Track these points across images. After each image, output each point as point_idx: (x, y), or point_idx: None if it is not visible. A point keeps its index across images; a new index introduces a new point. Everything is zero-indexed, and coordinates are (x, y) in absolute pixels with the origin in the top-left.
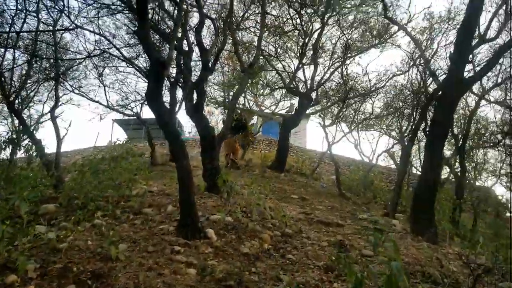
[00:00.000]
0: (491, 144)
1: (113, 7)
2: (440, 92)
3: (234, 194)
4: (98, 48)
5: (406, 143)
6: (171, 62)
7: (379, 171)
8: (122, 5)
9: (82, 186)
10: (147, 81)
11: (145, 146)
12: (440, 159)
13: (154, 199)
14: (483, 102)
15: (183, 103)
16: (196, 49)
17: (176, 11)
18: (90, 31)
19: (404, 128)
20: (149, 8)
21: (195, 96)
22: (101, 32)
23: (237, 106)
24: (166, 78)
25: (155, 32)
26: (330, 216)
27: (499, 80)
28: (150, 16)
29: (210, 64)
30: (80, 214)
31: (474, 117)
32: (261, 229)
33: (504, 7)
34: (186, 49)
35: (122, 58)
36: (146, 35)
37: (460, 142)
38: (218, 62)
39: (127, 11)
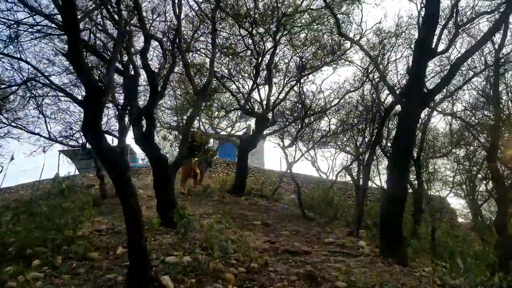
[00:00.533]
0: (441, 154)
1: (40, 28)
2: (400, 108)
3: (192, 229)
4: (30, 77)
5: (366, 160)
6: (110, 86)
7: (337, 187)
8: (49, 25)
9: (17, 232)
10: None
11: (95, 177)
12: (405, 177)
13: (102, 240)
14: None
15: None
16: (143, 73)
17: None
18: (12, 57)
19: (359, 143)
20: (84, 28)
21: (144, 123)
22: (28, 57)
23: (192, 129)
24: (114, 106)
25: (93, 55)
26: (296, 242)
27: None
28: (90, 39)
29: (159, 88)
30: (13, 266)
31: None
32: (224, 268)
33: (453, 20)
34: (132, 73)
35: (53, 86)
36: (77, 55)
37: (416, 154)
38: (168, 86)
39: (57, 34)
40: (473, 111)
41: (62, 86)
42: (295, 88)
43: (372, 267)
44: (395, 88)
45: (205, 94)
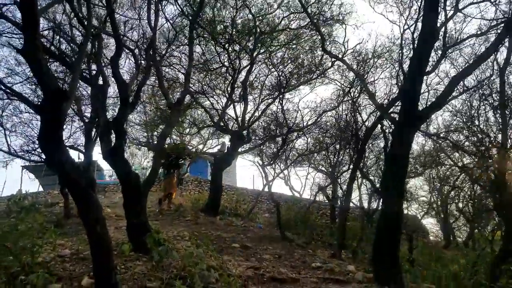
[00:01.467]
0: (416, 174)
1: None
2: (394, 127)
3: (170, 257)
4: None
5: (345, 180)
6: (73, 90)
7: (311, 206)
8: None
9: None
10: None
11: (59, 194)
12: (402, 197)
13: (65, 267)
14: None
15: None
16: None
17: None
18: None
19: (334, 163)
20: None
21: (113, 137)
22: None
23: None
24: (80, 119)
25: (56, 60)
26: (281, 268)
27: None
28: (53, 40)
29: (130, 99)
30: None
31: None
32: None
33: (440, 41)
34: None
35: (8, 91)
36: (34, 51)
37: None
38: (140, 99)
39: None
40: (450, 132)
41: (20, 93)
42: (275, 105)
43: None
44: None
45: (179, 108)
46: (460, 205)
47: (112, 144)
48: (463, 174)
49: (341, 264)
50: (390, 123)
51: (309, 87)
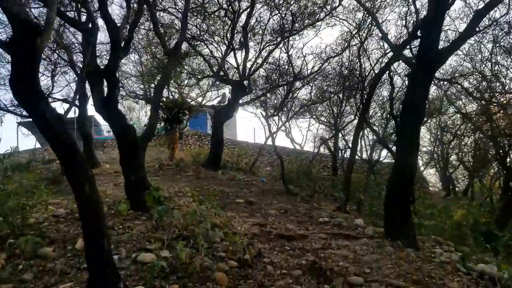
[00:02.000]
0: None
1: None
2: (410, 70)
3: (170, 216)
4: None
5: (354, 130)
6: (49, 26)
7: (310, 158)
8: None
9: None
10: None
11: None
12: (417, 150)
13: (59, 228)
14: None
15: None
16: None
17: None
18: None
19: (337, 113)
20: None
21: (106, 86)
22: None
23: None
24: (71, 68)
25: None
26: (288, 224)
27: None
28: None
29: (122, 43)
30: None
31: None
32: (211, 264)
33: None
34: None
35: None
36: None
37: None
38: (132, 42)
39: None
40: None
41: None
42: (278, 51)
43: (382, 253)
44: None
45: (177, 54)
46: (461, 155)
47: (105, 94)
48: (465, 122)
49: (348, 218)
50: (405, 64)
51: (314, 30)
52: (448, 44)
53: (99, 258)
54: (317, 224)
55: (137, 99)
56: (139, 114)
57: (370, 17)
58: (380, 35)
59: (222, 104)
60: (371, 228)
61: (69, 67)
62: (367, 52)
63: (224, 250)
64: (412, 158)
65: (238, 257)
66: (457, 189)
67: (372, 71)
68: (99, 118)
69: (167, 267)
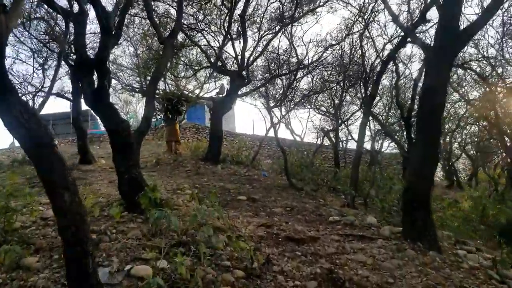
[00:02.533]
0: None
1: None
2: (428, 52)
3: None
4: None
5: (361, 119)
6: (18, 5)
7: (312, 150)
8: None
9: None
10: None
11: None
12: (438, 140)
13: (47, 233)
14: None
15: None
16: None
17: None
18: None
19: (340, 103)
20: None
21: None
22: None
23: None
24: (65, 62)
25: None
26: (295, 224)
27: None
28: None
29: (113, 29)
30: None
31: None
32: (215, 276)
33: None
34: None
35: None
36: None
37: (406, 113)
38: (122, 28)
39: None
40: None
41: None
42: (277, 39)
43: (404, 258)
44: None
45: (172, 43)
46: (463, 143)
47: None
48: (468, 110)
49: (358, 215)
50: (420, 48)
51: (315, 17)
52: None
53: (82, 282)
54: (327, 223)
55: (133, 92)
56: (136, 108)
57: None
58: (388, 17)
59: (221, 95)
60: (387, 228)
61: (63, 60)
62: (372, 38)
63: (228, 257)
64: (433, 148)
65: (245, 266)
66: (460, 179)
67: (377, 58)
68: None
69: (164, 286)
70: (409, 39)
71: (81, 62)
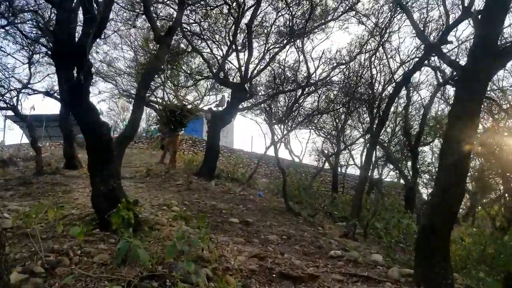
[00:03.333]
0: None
1: None
2: (457, 70)
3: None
4: None
5: (367, 144)
6: None
7: (309, 172)
8: None
9: None
10: None
11: (45, 147)
12: (466, 172)
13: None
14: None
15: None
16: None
17: None
18: None
19: (343, 125)
20: None
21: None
22: None
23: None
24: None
25: None
26: (293, 256)
27: None
28: None
29: (97, 16)
30: None
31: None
32: None
33: None
34: None
35: None
36: None
37: (413, 141)
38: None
39: None
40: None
41: None
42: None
43: None
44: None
45: (170, 41)
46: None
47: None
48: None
49: (360, 249)
50: (448, 66)
51: (325, 33)
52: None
53: None
54: (328, 258)
55: (130, 99)
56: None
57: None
58: (402, 38)
59: (220, 108)
60: (395, 270)
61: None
62: (387, 56)
63: None
64: (462, 183)
65: None
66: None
67: (389, 81)
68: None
69: None
70: (426, 62)
71: (56, 51)
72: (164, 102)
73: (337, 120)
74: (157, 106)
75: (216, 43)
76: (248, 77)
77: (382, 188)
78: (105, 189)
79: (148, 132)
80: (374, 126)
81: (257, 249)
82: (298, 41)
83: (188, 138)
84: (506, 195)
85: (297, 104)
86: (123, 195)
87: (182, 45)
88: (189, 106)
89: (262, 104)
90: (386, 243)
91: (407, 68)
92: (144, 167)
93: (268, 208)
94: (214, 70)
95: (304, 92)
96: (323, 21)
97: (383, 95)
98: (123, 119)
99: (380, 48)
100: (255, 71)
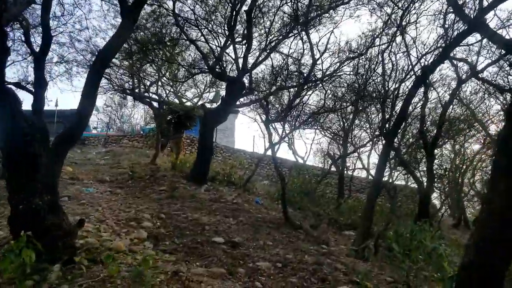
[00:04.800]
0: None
1: None
2: None
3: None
4: None
5: (382, 146)
6: None
7: (314, 173)
8: None
9: None
10: None
11: None
12: None
13: None
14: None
15: None
16: None
17: None
18: None
19: (350, 125)
20: None
21: None
22: None
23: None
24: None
25: None
26: None
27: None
28: None
29: None
30: None
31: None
32: None
33: None
34: None
35: None
36: None
37: (429, 144)
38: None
39: None
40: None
41: None
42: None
43: None
44: None
45: (136, 16)
46: (473, 180)
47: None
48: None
49: (371, 273)
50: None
51: (333, 22)
52: None
53: None
54: None
55: (124, 95)
56: (131, 112)
57: None
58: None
59: (214, 104)
60: None
61: (24, 43)
62: (406, 45)
63: None
64: None
65: None
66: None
67: (406, 75)
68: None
69: None
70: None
71: None
72: (162, 100)
73: (344, 120)
74: (154, 104)
75: (213, 33)
76: (247, 69)
77: (396, 194)
78: (25, 208)
79: (145, 130)
80: (387, 125)
81: (239, 285)
82: (302, 32)
83: (186, 137)
84: None
85: (299, 101)
86: (57, 215)
87: (174, 34)
88: (188, 103)
89: (262, 101)
90: (406, 269)
91: (426, 62)
92: (130, 168)
93: (263, 221)
94: (210, 63)
95: (307, 86)
96: (333, 4)
97: (398, 92)
98: (120, 116)
99: (397, 39)
100: (256, 63)
